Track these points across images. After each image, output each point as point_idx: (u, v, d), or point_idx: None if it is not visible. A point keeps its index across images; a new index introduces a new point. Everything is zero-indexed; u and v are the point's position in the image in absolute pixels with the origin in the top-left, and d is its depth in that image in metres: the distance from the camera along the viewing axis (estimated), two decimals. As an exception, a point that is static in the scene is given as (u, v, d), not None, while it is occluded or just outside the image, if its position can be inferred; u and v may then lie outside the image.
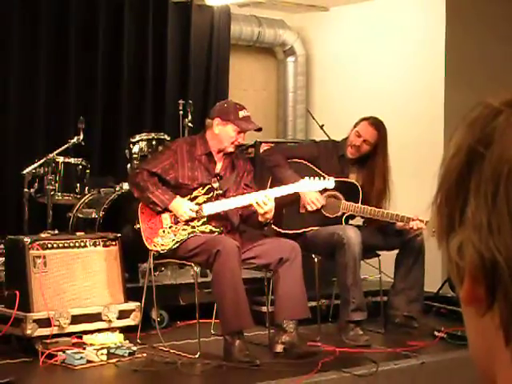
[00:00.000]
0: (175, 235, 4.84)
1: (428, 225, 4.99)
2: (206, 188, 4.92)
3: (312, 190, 5.06)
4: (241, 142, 5.05)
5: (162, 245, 4.82)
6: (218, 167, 5.02)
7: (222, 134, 4.93)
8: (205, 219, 4.88)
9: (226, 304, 4.58)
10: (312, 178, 4.96)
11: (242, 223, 5.05)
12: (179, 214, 4.84)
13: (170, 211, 4.87)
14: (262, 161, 5.81)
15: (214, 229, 4.89)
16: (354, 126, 5.43)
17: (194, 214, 4.84)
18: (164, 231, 4.86)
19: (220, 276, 4.58)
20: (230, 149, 4.96)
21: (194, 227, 4.87)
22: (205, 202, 4.89)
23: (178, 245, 4.81)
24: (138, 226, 4.88)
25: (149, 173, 4.88)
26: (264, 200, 4.69)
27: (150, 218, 4.90)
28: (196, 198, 4.91)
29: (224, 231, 4.91)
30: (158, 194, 4.85)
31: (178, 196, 4.88)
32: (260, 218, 4.78)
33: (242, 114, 4.94)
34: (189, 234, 4.84)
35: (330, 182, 4.97)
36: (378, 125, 5.39)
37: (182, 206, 4.85)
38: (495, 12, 7.23)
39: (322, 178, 5.01)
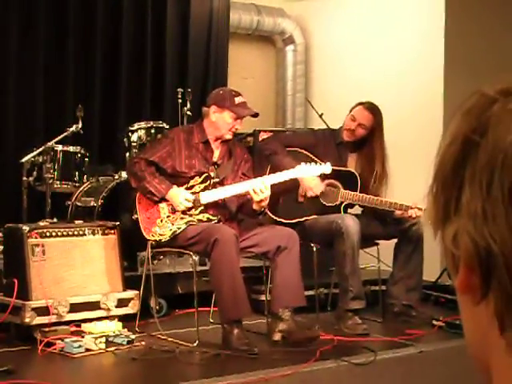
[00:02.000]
0: (173, 224, 4.84)
1: (424, 214, 4.99)
2: (203, 176, 4.91)
3: (309, 175, 5.04)
4: (238, 129, 5.04)
5: (160, 234, 4.82)
6: (216, 155, 5.01)
7: (218, 121, 4.92)
8: (202, 208, 4.88)
9: (224, 293, 4.57)
10: (309, 163, 4.94)
11: (237, 211, 5.04)
12: (175, 205, 4.84)
13: (168, 201, 4.87)
14: (260, 150, 5.79)
15: (211, 217, 4.88)
16: (350, 111, 5.44)
17: (190, 205, 4.83)
18: (162, 221, 4.85)
19: (218, 265, 4.58)
20: (228, 136, 4.96)
21: (191, 216, 4.86)
22: (202, 190, 4.88)
23: (175, 234, 4.81)
24: (135, 216, 4.88)
25: (146, 162, 4.87)
26: (261, 187, 4.68)
27: (148, 207, 4.89)
28: (193, 186, 4.90)
29: (222, 220, 4.91)
30: (155, 183, 4.84)
31: (174, 186, 4.87)
32: (254, 206, 4.77)
33: (237, 100, 4.92)
34: (186, 223, 4.84)
35: (326, 167, 4.94)
36: (373, 109, 5.38)
37: (178, 196, 4.84)
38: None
39: (318, 163, 4.99)
